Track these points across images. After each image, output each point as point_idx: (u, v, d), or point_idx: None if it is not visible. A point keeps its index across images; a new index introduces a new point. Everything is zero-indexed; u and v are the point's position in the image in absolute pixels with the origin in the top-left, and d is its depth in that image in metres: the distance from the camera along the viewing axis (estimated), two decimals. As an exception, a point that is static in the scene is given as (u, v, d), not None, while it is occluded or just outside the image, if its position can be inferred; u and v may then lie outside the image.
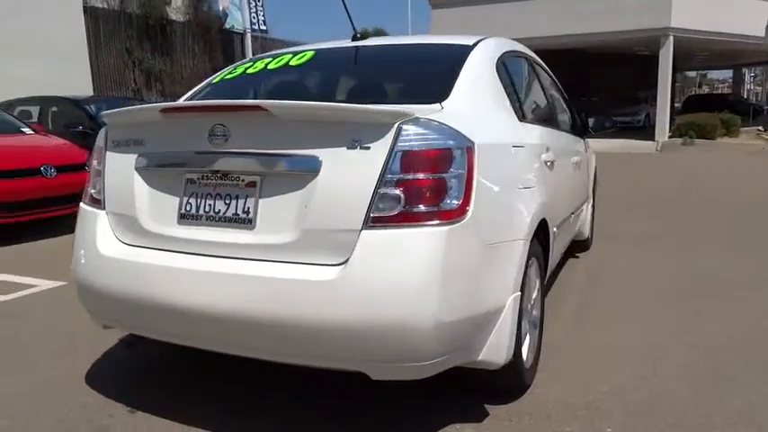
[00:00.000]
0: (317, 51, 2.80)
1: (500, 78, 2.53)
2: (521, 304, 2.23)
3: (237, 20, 17.05)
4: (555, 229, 2.85)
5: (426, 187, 1.82)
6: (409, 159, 1.81)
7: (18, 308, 3.65)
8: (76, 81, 12.29)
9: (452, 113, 2.08)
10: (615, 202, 7.14)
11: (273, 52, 2.93)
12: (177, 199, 2.08)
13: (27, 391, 2.52)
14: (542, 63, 3.76)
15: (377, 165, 1.80)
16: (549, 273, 3.01)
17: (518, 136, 2.38)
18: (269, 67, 2.73)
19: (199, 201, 2.05)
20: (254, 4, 17.30)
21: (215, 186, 2.02)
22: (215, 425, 2.21)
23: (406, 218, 1.80)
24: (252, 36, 17.08)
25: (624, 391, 2.47)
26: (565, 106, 4.04)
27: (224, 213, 2.00)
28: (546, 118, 3.24)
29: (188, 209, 2.06)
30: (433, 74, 2.34)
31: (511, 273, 2.08)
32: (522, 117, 2.61)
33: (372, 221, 1.79)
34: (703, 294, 3.74)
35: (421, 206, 1.81)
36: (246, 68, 2.79)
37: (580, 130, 4.31)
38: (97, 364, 2.75)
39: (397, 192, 1.80)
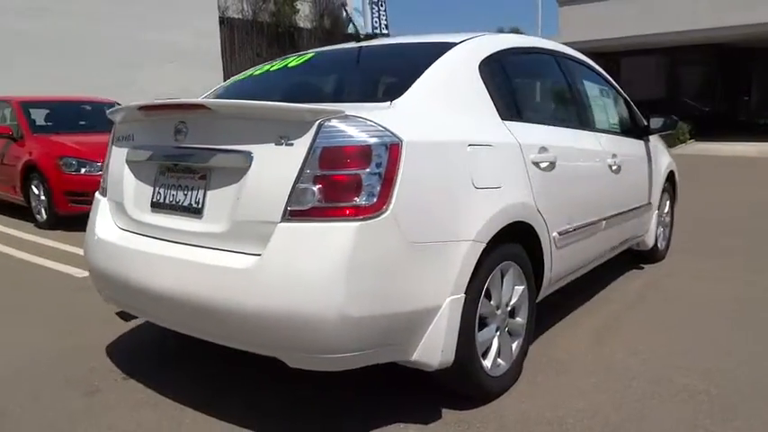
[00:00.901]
0: (316, 54, 2.91)
1: (482, 77, 2.45)
2: (474, 308, 2.17)
3: (360, 24, 17.66)
4: (556, 234, 2.69)
5: (341, 183, 1.86)
6: (327, 156, 1.86)
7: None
8: (212, 86, 13.51)
9: (397, 111, 2.09)
10: (719, 215, 6.45)
11: (286, 55, 3.09)
12: (151, 188, 2.31)
13: (56, 352, 2.91)
14: (583, 61, 3.55)
15: (298, 160, 1.87)
16: (556, 278, 2.85)
17: (486, 135, 2.30)
18: (271, 69, 2.89)
19: (166, 191, 2.25)
20: (376, 9, 17.81)
21: (177, 178, 2.22)
22: (190, 399, 2.40)
23: (319, 212, 1.85)
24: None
25: (600, 410, 2.29)
26: (616, 106, 3.77)
27: (182, 203, 2.18)
28: (556, 117, 3.06)
29: (158, 198, 2.28)
30: (400, 73, 2.34)
31: (448, 274, 2.03)
32: (508, 116, 2.50)
33: (290, 215, 1.87)
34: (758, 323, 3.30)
35: (335, 201, 1.85)
36: (255, 71, 2.98)
37: (639, 132, 4.00)
38: (125, 336, 3.09)
39: (314, 187, 1.85)
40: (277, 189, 1.89)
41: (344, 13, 17.59)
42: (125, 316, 2.68)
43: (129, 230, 2.39)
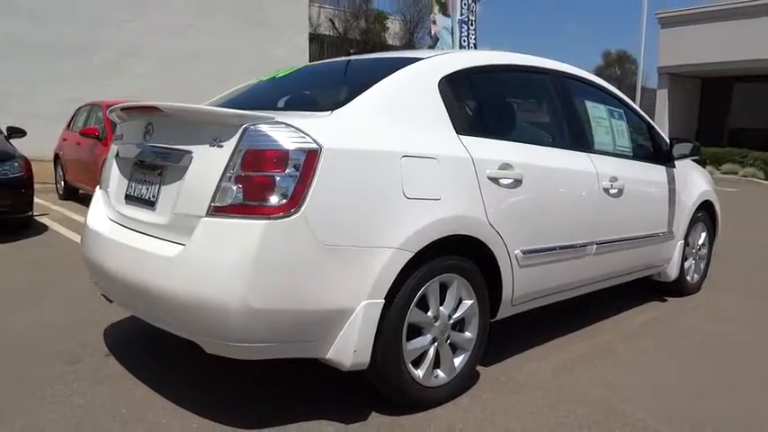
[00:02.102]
0: (304, 66, 3.08)
1: (441, 92, 2.50)
2: (401, 315, 2.22)
3: (448, 43, 17.78)
4: (518, 252, 2.67)
5: (258, 183, 1.99)
6: (248, 157, 2.01)
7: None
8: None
9: (332, 120, 2.20)
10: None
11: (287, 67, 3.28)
12: (126, 182, 2.57)
13: (60, 325, 3.25)
14: (590, 81, 3.46)
15: (224, 160, 2.04)
16: (524, 298, 2.81)
17: (429, 148, 2.33)
18: (262, 79, 3.10)
19: (135, 185, 2.50)
20: (465, 27, 17.87)
21: (144, 173, 2.46)
22: (153, 378, 2.62)
23: (237, 209, 2.00)
24: (460, 58, 17.65)
25: (532, 425, 2.25)
26: (630, 129, 3.63)
27: (144, 196, 2.41)
28: (532, 135, 3.01)
29: (130, 191, 2.53)
30: (355, 85, 2.43)
31: (365, 278, 2.10)
32: (466, 131, 2.53)
33: (213, 210, 2.03)
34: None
35: (251, 200, 1.99)
36: (257, 80, 3.20)
37: (662, 157, 3.83)
38: (130, 318, 3.38)
39: (235, 186, 2.01)
40: (206, 186, 2.06)
41: (431, 32, 17.80)
42: (109, 298, 2.96)
43: (113, 220, 2.66)
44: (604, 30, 79.66)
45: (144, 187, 2.43)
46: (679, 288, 4.20)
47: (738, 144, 18.63)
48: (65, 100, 10.36)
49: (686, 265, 4.24)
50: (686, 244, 4.17)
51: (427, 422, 2.30)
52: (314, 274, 2.02)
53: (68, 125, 8.96)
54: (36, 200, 7.75)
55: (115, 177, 2.68)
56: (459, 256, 2.44)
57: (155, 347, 2.97)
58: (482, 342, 2.61)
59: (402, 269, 2.19)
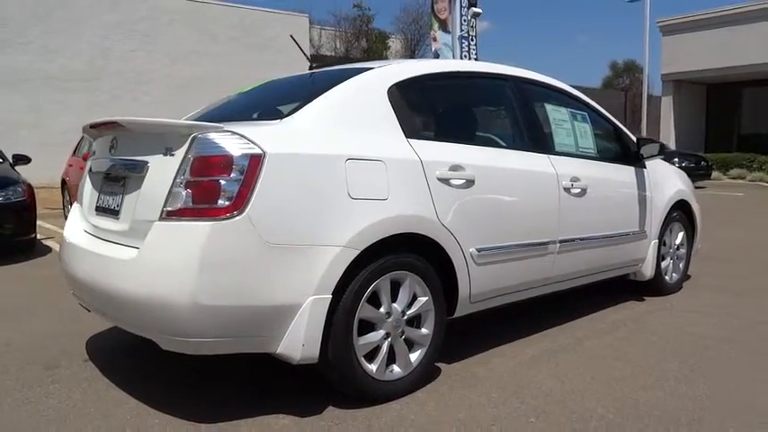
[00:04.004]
0: (270, 81, 3.24)
1: (391, 99, 2.63)
2: (350, 310, 2.33)
3: (448, 59, 18.00)
4: (473, 251, 2.76)
5: (205, 188, 2.13)
6: (196, 164, 2.15)
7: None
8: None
9: (280, 128, 2.35)
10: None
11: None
12: (97, 194, 2.72)
13: (47, 334, 3.40)
14: (551, 85, 3.58)
15: (175, 167, 2.18)
16: (483, 295, 2.90)
17: (376, 151, 2.45)
18: (234, 93, 3.27)
19: (104, 196, 2.65)
20: (465, 43, 18.08)
21: (110, 185, 2.61)
22: (127, 383, 2.74)
23: (186, 213, 2.13)
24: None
25: (475, 422, 2.33)
26: (595, 131, 3.73)
27: (110, 206, 2.56)
28: (485, 138, 3.12)
29: (99, 203, 2.68)
30: (307, 95, 2.57)
31: (311, 275, 2.21)
32: (416, 135, 2.65)
33: (165, 215, 2.17)
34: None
35: (199, 204, 2.13)
36: (224, 98, 3.36)
37: (629, 158, 3.92)
38: (114, 328, 3.52)
39: (184, 191, 2.15)
40: (160, 192, 2.20)
41: (432, 49, 18.06)
42: (86, 307, 3.09)
43: (87, 232, 2.81)
44: (614, 40, 79.66)
45: (110, 198, 2.58)
46: (657, 287, 4.25)
47: (748, 149, 18.52)
48: (73, 128, 10.66)
49: (663, 264, 4.29)
50: (662, 244, 4.23)
51: (380, 414, 2.39)
52: (260, 272, 2.14)
53: (74, 151, 9.25)
54: (44, 224, 8.02)
55: (88, 191, 2.84)
56: (411, 254, 2.55)
57: (132, 353, 3.10)
58: (439, 338, 2.70)
59: (349, 266, 2.30)
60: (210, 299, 2.08)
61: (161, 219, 2.17)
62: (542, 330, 3.46)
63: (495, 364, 2.94)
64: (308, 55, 3.21)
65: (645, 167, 4.01)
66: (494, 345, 3.19)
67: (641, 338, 3.37)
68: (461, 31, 17.92)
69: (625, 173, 3.86)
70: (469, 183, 2.76)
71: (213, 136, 2.18)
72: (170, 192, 2.17)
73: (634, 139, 4.00)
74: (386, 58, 18.07)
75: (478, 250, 2.79)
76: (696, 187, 5.36)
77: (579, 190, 3.37)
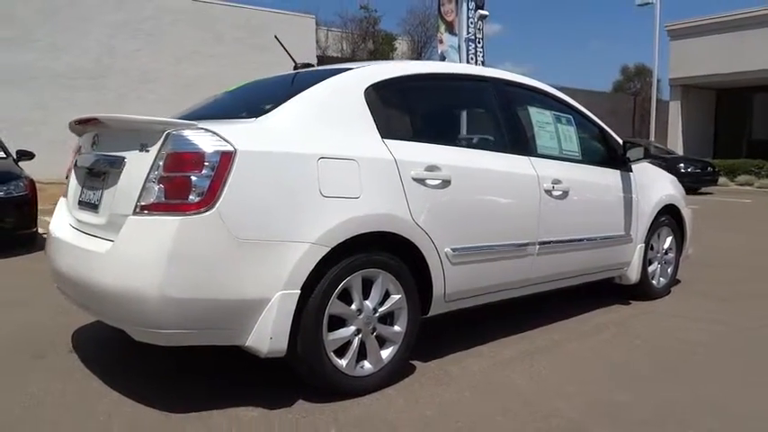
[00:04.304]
0: (255, 80, 3.29)
1: (368, 99, 2.67)
2: (320, 306, 2.37)
3: (455, 61, 18.02)
4: (449, 250, 2.80)
5: (176, 183, 2.18)
6: (169, 160, 2.21)
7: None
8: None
9: (255, 126, 2.41)
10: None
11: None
12: (80, 189, 2.79)
13: (40, 326, 3.47)
14: (534, 87, 3.61)
15: (149, 163, 2.24)
16: (459, 294, 2.94)
17: (349, 150, 2.49)
18: (221, 92, 3.33)
19: (86, 191, 2.72)
20: (472, 45, 18.09)
21: (92, 180, 2.67)
22: (109, 376, 2.80)
23: (158, 207, 2.19)
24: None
25: (441, 419, 2.37)
26: (580, 134, 3.75)
27: (91, 200, 2.62)
28: (463, 139, 3.16)
29: (82, 197, 2.75)
30: (285, 95, 2.61)
31: (280, 270, 2.26)
32: (392, 136, 2.69)
33: (139, 209, 2.23)
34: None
35: (170, 199, 2.18)
36: (212, 97, 3.42)
37: (615, 162, 3.93)
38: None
39: (157, 186, 2.20)
40: (135, 187, 2.26)
41: (438, 51, 18.08)
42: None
43: (71, 225, 2.88)
44: (626, 44, 79.20)
45: (92, 192, 2.64)
46: (644, 291, 4.26)
47: (757, 156, 18.37)
48: (80, 125, 10.84)
49: (651, 269, 4.30)
50: (649, 248, 4.24)
51: (349, 408, 2.43)
52: (229, 266, 2.20)
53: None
54: (47, 219, 8.11)
55: (73, 186, 2.91)
56: (383, 252, 2.59)
57: (116, 345, 3.16)
58: (412, 336, 2.73)
59: (319, 263, 2.34)
60: (179, 292, 2.13)
61: (134, 213, 2.23)
62: (523, 332, 3.48)
63: (471, 363, 2.98)
64: (293, 56, 3.26)
65: (631, 171, 4.03)
66: (472, 345, 3.22)
67: (624, 342, 3.39)
68: (468, 33, 17.93)
69: (610, 176, 3.88)
70: (446, 183, 2.80)
71: (186, 133, 2.23)
72: (144, 187, 2.23)
73: (621, 142, 4.02)
74: (392, 59, 18.14)
75: (454, 250, 2.83)
76: (703, 193, 5.35)
77: (561, 192, 3.39)
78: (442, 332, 3.35)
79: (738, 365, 3.03)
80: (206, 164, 2.18)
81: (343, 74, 2.75)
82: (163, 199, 2.19)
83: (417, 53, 18.62)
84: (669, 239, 4.47)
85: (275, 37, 3.32)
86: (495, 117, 3.26)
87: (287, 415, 2.37)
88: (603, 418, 2.40)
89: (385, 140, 2.66)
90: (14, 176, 6.40)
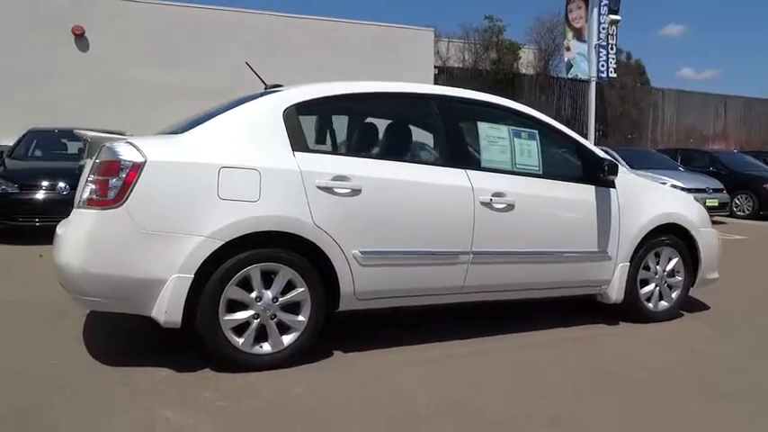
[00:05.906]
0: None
1: (285, 118, 3.09)
2: (217, 290, 2.85)
3: (583, 69, 17.37)
4: (357, 252, 3.11)
5: (99, 185, 2.80)
6: (99, 167, 2.84)
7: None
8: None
9: (176, 140, 2.97)
10: None
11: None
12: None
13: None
14: (492, 103, 3.72)
15: (90, 169, 2.90)
16: (371, 294, 3.21)
17: (254, 162, 2.92)
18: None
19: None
20: (604, 52, 17.30)
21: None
22: (96, 344, 3.56)
23: (90, 203, 2.83)
24: (597, 82, 17.13)
25: (319, 402, 2.71)
26: (542, 149, 3.77)
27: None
28: (381, 152, 3.42)
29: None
30: (215, 113, 3.15)
31: (176, 257, 2.77)
32: (303, 149, 3.07)
33: (81, 203, 2.89)
34: None
35: (96, 197, 2.81)
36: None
37: (589, 177, 3.87)
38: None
39: (88, 186, 2.85)
40: (82, 186, 2.95)
41: (564, 59, 17.52)
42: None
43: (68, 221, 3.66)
44: None
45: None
46: (635, 313, 4.09)
47: None
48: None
49: (646, 290, 4.12)
50: (642, 268, 4.07)
51: (234, 380, 2.86)
52: (134, 251, 2.77)
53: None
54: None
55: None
56: (284, 249, 2.99)
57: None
58: (315, 325, 3.08)
59: (213, 253, 2.82)
60: (95, 268, 2.75)
61: (77, 206, 2.91)
62: (468, 338, 3.60)
63: (384, 359, 3.22)
64: (264, 79, 3.76)
65: (613, 187, 3.92)
66: (402, 344, 3.44)
67: (570, 359, 3.35)
68: (599, 39, 17.20)
69: (580, 191, 3.82)
70: (356, 191, 3.11)
71: (114, 145, 2.85)
72: (84, 186, 2.89)
73: (600, 157, 3.92)
74: (517, 69, 17.93)
75: (363, 252, 3.13)
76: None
77: (504, 205, 3.48)
78: (371, 330, 3.62)
79: (673, 399, 2.90)
80: (122, 170, 2.78)
81: (268, 96, 3.21)
82: (94, 196, 2.82)
83: (544, 61, 18.20)
84: (674, 261, 4.22)
85: (246, 63, 3.85)
86: (428, 132, 3.48)
87: (186, 377, 2.88)
88: (459, 415, 2.57)
89: (296, 153, 3.06)
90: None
